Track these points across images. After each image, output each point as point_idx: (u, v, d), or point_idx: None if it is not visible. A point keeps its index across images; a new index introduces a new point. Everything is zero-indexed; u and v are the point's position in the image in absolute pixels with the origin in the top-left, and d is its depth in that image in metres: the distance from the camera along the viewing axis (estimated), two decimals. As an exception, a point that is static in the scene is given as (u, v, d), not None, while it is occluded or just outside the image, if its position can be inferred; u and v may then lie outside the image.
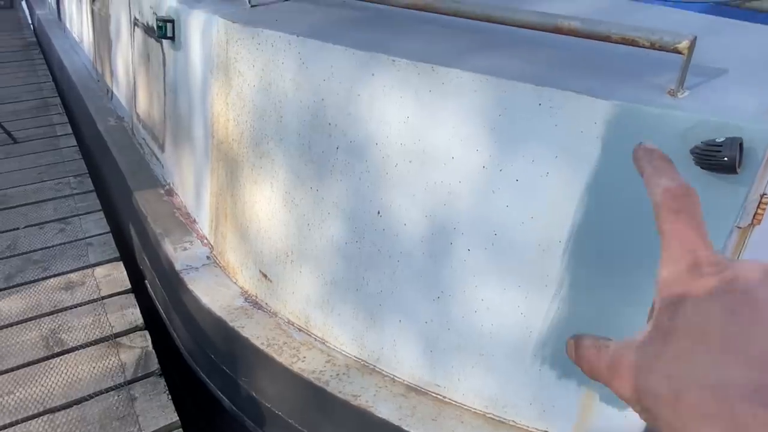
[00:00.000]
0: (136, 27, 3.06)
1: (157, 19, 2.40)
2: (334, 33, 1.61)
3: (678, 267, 0.28)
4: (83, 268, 2.80)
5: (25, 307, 2.55)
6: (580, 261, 1.26)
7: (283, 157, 1.77)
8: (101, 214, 3.26)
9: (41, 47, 6.77)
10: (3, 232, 3.10)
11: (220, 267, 2.21)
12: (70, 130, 4.40)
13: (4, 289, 2.65)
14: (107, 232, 3.09)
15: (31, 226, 3.17)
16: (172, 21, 2.38)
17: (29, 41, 7.21)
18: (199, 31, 2.15)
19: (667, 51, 1.10)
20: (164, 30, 2.39)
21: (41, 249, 2.96)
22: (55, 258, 2.89)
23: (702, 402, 0.23)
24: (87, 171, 3.78)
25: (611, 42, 1.16)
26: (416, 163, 1.44)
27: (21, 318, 2.48)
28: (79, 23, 5.17)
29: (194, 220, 2.51)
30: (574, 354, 0.31)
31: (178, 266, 2.20)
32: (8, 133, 4.20)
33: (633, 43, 1.13)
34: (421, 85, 1.38)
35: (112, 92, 3.93)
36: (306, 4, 1.99)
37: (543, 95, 1.20)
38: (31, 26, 8.00)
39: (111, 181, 3.44)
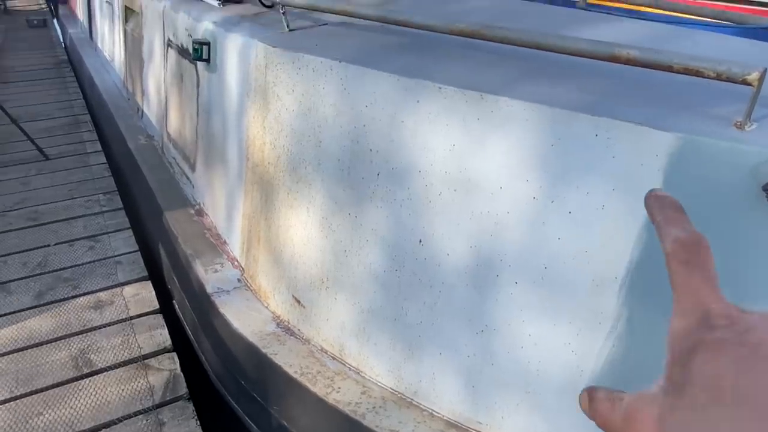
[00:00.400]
0: (169, 48, 3.10)
1: (193, 42, 2.42)
2: (376, 58, 1.60)
3: (689, 320, 0.28)
4: (112, 287, 2.81)
5: (55, 325, 2.55)
6: (638, 298, 1.20)
7: (321, 182, 1.74)
8: (130, 232, 3.27)
9: (72, 65, 6.94)
10: (35, 248, 3.13)
11: (251, 290, 2.19)
12: (99, 148, 4.46)
13: (35, 307, 2.66)
14: (136, 251, 3.10)
15: (62, 243, 3.19)
16: (208, 44, 2.40)
17: (61, 59, 7.39)
18: (236, 54, 2.16)
19: (735, 82, 1.05)
20: (200, 52, 2.40)
21: (71, 267, 2.97)
22: (84, 276, 2.90)
23: None
24: (116, 188, 3.82)
25: (673, 72, 1.12)
26: (461, 192, 1.40)
27: (51, 337, 2.47)
28: (110, 42, 5.28)
29: (225, 242, 2.50)
30: (588, 407, 0.31)
31: (209, 288, 2.18)
32: (40, 150, 4.27)
33: (697, 73, 1.08)
34: (469, 113, 1.35)
35: (143, 111, 3.98)
36: (343, 28, 1.99)
37: (600, 126, 1.16)
38: (63, 45, 8.21)
39: (140, 199, 3.46)
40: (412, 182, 1.50)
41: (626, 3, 3.11)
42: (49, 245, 3.17)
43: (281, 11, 2.00)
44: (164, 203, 2.95)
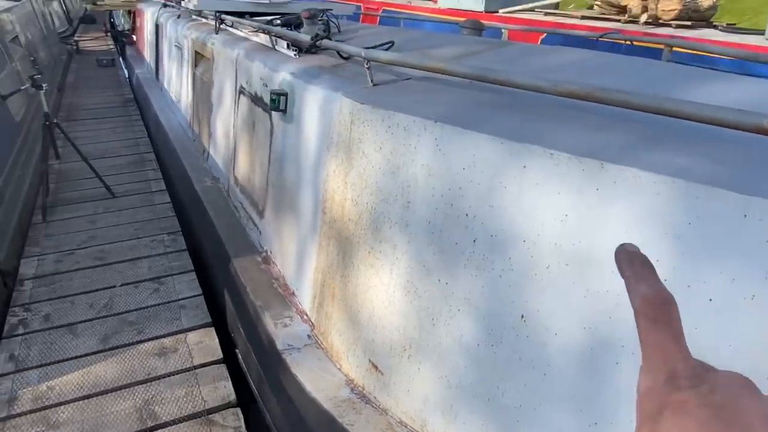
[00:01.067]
0: (241, 95, 3.15)
1: (270, 92, 2.42)
2: (474, 118, 1.52)
3: (657, 378, 0.29)
4: (176, 332, 2.78)
5: (120, 372, 2.52)
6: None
7: (408, 243, 1.66)
8: (193, 275, 3.27)
9: (138, 104, 7.24)
10: (101, 289, 3.16)
11: (323, 349, 2.10)
12: (164, 186, 4.57)
13: (101, 351, 2.65)
14: (199, 295, 3.08)
15: (127, 284, 3.22)
16: (285, 94, 2.40)
17: (127, 98, 7.75)
18: (317, 106, 2.13)
19: None
20: (277, 102, 2.40)
21: (136, 310, 2.97)
22: (149, 320, 2.89)
23: None
24: (180, 229, 3.86)
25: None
26: (574, 267, 1.28)
27: (116, 385, 2.45)
28: (177, 84, 5.47)
29: (293, 293, 2.44)
30: None
31: (279, 345, 2.11)
32: (108, 188, 4.40)
33: None
34: (586, 183, 1.24)
35: (209, 153, 4.05)
36: (429, 83, 1.93)
37: (751, 205, 1.03)
38: (130, 84, 8.61)
39: (205, 241, 3.47)
40: (514, 252, 1.39)
41: (707, 51, 2.96)
42: (114, 286, 3.20)
43: (366, 66, 1.97)
44: (231, 249, 2.93)
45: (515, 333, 1.40)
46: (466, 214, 1.48)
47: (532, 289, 1.36)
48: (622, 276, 0.32)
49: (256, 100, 2.87)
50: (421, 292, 1.63)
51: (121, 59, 10.96)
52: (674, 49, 2.58)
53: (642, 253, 0.32)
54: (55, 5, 13.02)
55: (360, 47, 2.21)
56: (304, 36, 2.50)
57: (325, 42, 2.37)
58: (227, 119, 3.50)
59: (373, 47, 2.30)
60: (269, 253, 2.75)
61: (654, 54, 2.97)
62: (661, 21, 6.34)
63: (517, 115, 1.51)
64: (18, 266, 3.33)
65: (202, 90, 4.19)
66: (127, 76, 9.43)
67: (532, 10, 8.25)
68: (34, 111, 5.44)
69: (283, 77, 2.48)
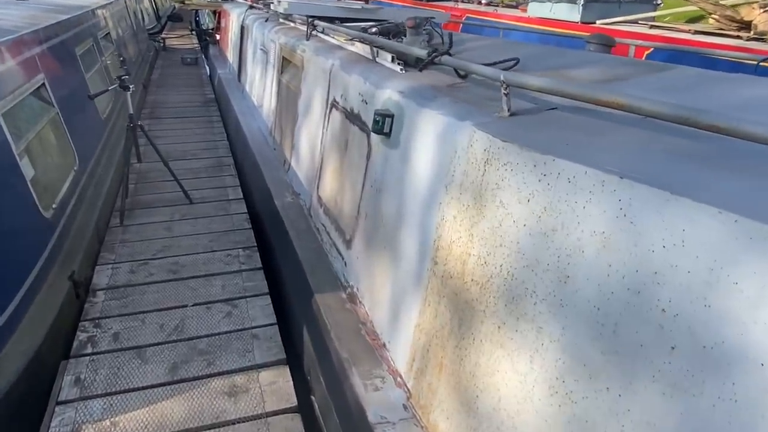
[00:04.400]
0: (333, 108, 2.86)
1: (375, 113, 2.10)
2: (680, 177, 1.11)
3: None
4: (248, 368, 2.52)
5: (187, 412, 2.28)
6: None
7: (562, 330, 1.27)
8: (268, 299, 3.02)
9: (219, 105, 7.21)
10: (173, 308, 2.96)
11: (421, 427, 1.74)
12: (241, 195, 4.38)
13: (169, 384, 2.43)
14: (274, 324, 2.82)
15: (199, 304, 3.01)
16: (391, 116, 2.07)
17: (209, 98, 7.77)
18: (434, 135, 1.79)
19: None
20: (381, 124, 2.08)
21: (207, 336, 2.75)
22: (220, 350, 2.65)
23: None
24: (255, 244, 3.64)
25: None
26: None
27: (182, 428, 2.20)
28: (260, 88, 5.32)
29: (384, 345, 2.10)
30: None
31: (370, 416, 1.77)
32: (186, 194, 4.27)
33: None
34: None
35: (290, 165, 3.81)
36: (583, 116, 1.54)
37: None
38: (211, 84, 8.66)
39: (282, 263, 3.21)
40: (741, 376, 0.97)
41: None
42: (186, 306, 3.00)
43: (504, 91, 1.60)
44: (312, 278, 2.64)
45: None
46: (663, 310, 1.08)
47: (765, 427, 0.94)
48: None
49: (351, 116, 2.57)
50: (576, 398, 1.24)
51: (204, 58, 11.15)
52: None
53: None
54: (146, 2, 13.51)
55: (479, 64, 1.85)
56: (419, 50, 2.16)
57: (446, 59, 2.02)
58: (314, 132, 3.23)
59: (493, 64, 1.93)
60: (356, 290, 2.43)
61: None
62: (796, 39, 5.57)
63: (746, 176, 1.10)
64: (92, 275, 3.20)
65: (288, 98, 3.97)
66: (208, 75, 9.53)
67: (635, 22, 7.57)
68: (119, 109, 5.45)
69: (388, 96, 2.15)
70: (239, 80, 6.83)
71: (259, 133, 4.97)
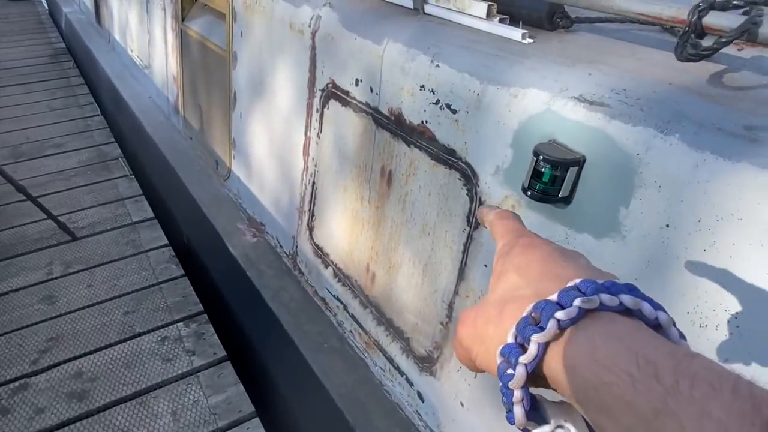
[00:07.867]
0: (331, 100, 1.58)
1: (543, 159, 0.91)
2: None
3: (504, 239, 0.45)
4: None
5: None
6: None
7: None
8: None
9: (76, 60, 5.25)
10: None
11: None
12: (149, 211, 2.94)
13: None
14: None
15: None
16: (581, 163, 0.91)
17: (57, 48, 5.69)
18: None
19: None
20: (553, 182, 0.91)
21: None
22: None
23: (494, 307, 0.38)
24: (201, 306, 2.34)
25: None
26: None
27: None
28: (142, 39, 3.64)
29: None
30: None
31: None
32: (61, 225, 2.76)
33: None
34: None
35: (232, 172, 2.45)
36: None
37: None
38: (57, 28, 6.44)
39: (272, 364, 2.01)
40: None
41: None
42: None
43: None
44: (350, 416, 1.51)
45: None
46: None
47: None
48: (485, 223, 0.50)
49: (385, 124, 1.33)
50: None
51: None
52: None
53: (500, 208, 0.51)
54: None
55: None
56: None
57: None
58: (287, 137, 1.92)
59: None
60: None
61: None
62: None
63: None
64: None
65: (209, 62, 2.51)
66: (48, 12, 7.15)
67: None
68: None
69: (566, 112, 0.97)
70: (99, 23, 4.91)
71: (155, 109, 3.40)
